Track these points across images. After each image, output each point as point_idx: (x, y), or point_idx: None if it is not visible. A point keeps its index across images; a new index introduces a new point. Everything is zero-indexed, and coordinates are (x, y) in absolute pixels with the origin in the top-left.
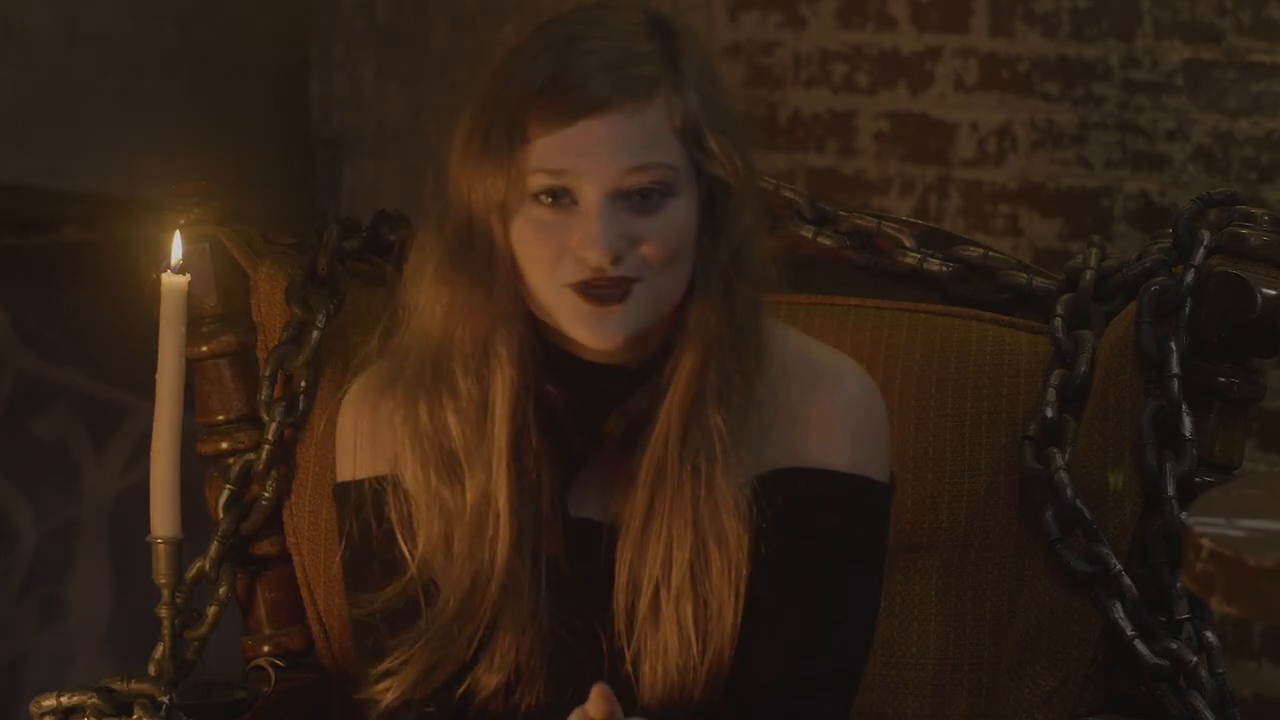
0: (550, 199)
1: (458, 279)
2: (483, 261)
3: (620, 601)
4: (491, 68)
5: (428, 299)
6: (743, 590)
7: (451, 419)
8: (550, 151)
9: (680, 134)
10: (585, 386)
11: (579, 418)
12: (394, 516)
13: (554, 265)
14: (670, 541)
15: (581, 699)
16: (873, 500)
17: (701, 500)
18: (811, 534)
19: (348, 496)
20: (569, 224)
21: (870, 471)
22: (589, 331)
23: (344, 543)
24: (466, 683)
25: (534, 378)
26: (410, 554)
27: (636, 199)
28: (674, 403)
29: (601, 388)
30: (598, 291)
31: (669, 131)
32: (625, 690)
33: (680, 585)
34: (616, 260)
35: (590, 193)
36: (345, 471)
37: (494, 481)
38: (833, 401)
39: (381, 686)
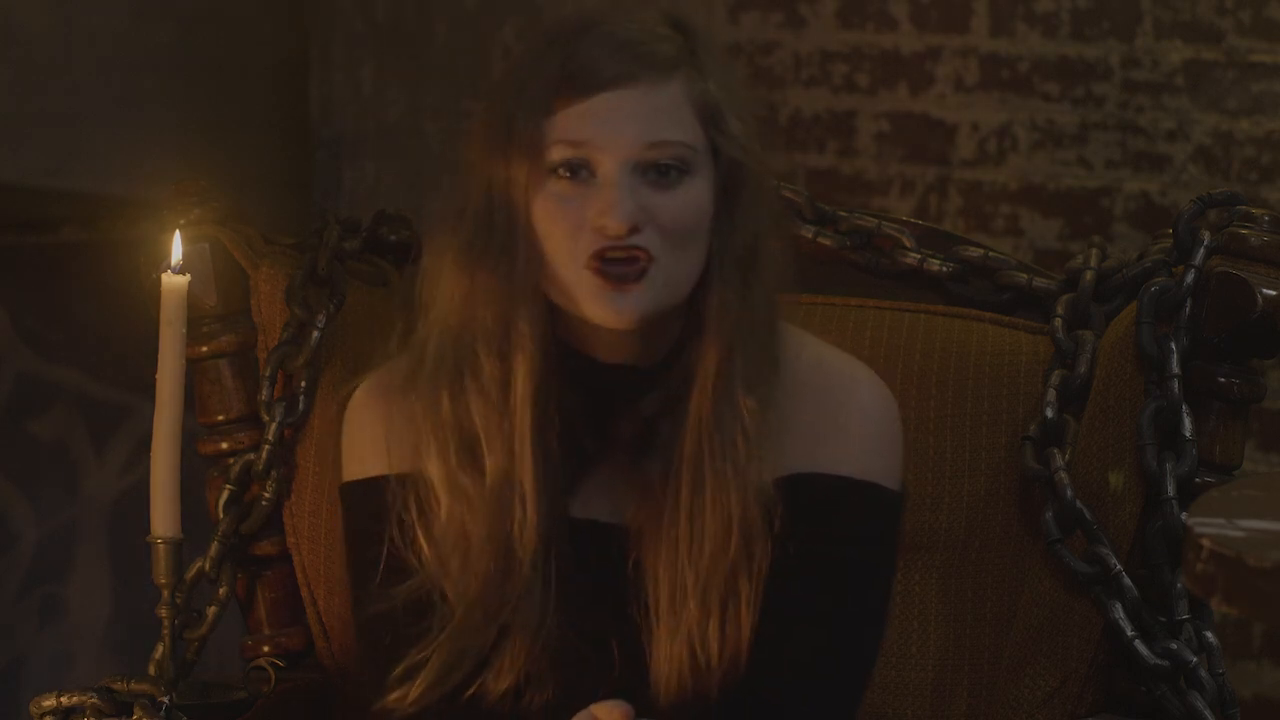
0: (569, 173)
1: (478, 263)
2: (503, 242)
3: (652, 607)
4: (505, 67)
5: (446, 289)
6: (760, 594)
7: (474, 400)
8: (570, 123)
9: (699, 115)
10: (596, 387)
11: (589, 419)
12: (411, 513)
13: (573, 239)
14: (704, 545)
15: (590, 702)
16: (884, 508)
17: (734, 501)
18: (823, 539)
19: (367, 494)
20: (588, 196)
21: (882, 479)
22: (605, 310)
23: (353, 541)
24: (475, 685)
25: (555, 364)
26: (427, 549)
27: (654, 174)
28: (703, 394)
29: (613, 389)
30: (615, 270)
31: (689, 111)
32: (638, 690)
33: (713, 590)
34: (633, 230)
35: (609, 163)
36: (365, 469)
37: (518, 464)
38: (847, 408)
39: (397, 695)
